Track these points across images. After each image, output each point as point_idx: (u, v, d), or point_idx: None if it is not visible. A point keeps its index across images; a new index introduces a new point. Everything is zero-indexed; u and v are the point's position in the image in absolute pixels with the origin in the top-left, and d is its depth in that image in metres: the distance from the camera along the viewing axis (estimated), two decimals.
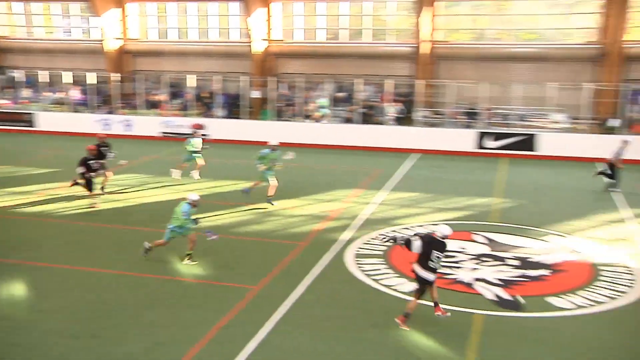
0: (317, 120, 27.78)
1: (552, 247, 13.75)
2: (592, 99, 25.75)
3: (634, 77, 26.92)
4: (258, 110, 29.97)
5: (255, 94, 30.15)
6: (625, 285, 11.52)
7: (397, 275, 11.86)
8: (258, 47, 32.00)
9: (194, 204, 12.09)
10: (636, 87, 25.57)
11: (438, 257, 9.43)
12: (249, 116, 28.91)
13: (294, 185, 18.87)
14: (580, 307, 10.58)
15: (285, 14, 32.73)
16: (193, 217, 12.12)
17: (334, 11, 32.65)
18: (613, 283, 11.64)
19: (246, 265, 12.23)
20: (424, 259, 9.42)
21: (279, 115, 28.76)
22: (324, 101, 28.33)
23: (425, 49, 29.65)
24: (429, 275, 9.46)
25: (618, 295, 11.09)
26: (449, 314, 9.86)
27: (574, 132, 25.07)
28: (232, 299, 10.62)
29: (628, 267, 12.43)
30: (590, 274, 12.06)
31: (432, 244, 9.43)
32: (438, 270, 9.58)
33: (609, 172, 19.09)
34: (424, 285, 9.57)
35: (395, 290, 11.17)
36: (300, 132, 26.81)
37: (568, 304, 10.68)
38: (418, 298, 9.68)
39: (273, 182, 16.75)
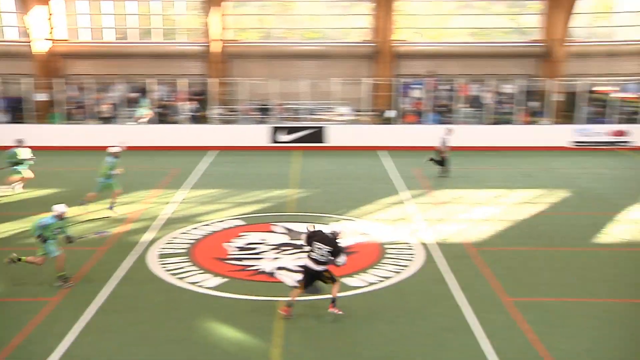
0: (137, 121, 26.59)
1: (344, 231, 14.66)
2: (371, 93, 27.80)
3: (404, 72, 29.58)
4: (45, 114, 27.86)
5: (41, 96, 27.97)
6: (407, 260, 12.71)
7: (202, 271, 11.89)
8: (40, 47, 29.70)
9: (60, 216, 11.07)
10: (406, 81, 28.13)
11: (319, 249, 9.81)
12: (37, 120, 26.79)
13: (89, 190, 17.93)
14: (372, 283, 11.47)
15: (69, 12, 30.74)
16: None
17: (121, 10, 31.38)
18: (397, 259, 12.78)
19: (42, 277, 11.42)
20: (309, 251, 9.94)
21: (70, 118, 27.05)
22: (145, 102, 27.13)
23: (215, 47, 29.75)
24: (311, 265, 9.84)
25: (402, 269, 12.21)
26: (341, 312, 9.95)
27: (357, 123, 26.87)
28: (28, 313, 9.88)
29: (409, 244, 13.72)
30: (378, 253, 13.11)
31: (316, 236, 9.95)
32: (322, 262, 9.82)
33: (438, 159, 20.33)
34: (308, 275, 9.88)
35: (200, 286, 11.20)
36: (91, 135, 25.49)
37: (361, 282, 11.53)
38: (302, 289, 9.98)
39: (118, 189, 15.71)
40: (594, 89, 27.08)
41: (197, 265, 12.22)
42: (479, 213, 16.12)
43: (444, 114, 26.71)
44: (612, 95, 26.43)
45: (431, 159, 20.64)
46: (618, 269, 12.27)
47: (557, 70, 28.62)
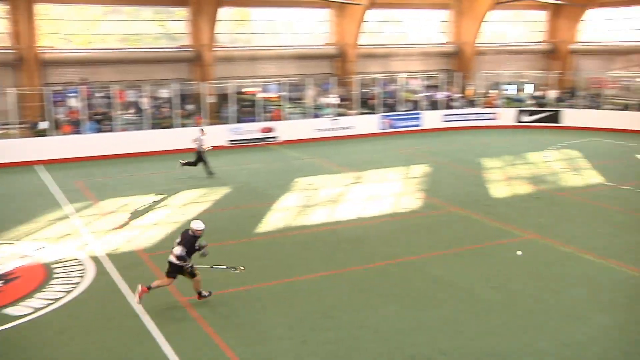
0: None
1: (2, 256, 13.13)
2: (18, 104, 25.26)
3: (54, 80, 27.59)
4: None
5: None
6: (77, 277, 11.95)
7: None
8: None
9: None
10: (57, 90, 26.26)
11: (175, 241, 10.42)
12: None
13: None
14: (39, 309, 10.49)
15: None
16: None
17: None
18: (66, 277, 11.93)
19: None
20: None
21: None
22: None
23: None
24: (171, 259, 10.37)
25: (72, 287, 11.44)
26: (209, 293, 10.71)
27: (7, 137, 24.19)
28: None
29: (78, 259, 12.92)
30: (44, 275, 12.05)
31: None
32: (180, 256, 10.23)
33: (192, 161, 20.48)
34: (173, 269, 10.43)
35: None
36: None
37: (26, 310, 10.46)
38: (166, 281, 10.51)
39: None
40: (242, 90, 29.07)
41: None
42: (147, 219, 16.00)
43: (102, 122, 25.72)
44: (258, 95, 28.69)
45: (185, 163, 20.59)
46: (272, 253, 13.44)
47: (207, 74, 29.89)
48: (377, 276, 12.07)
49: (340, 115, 29.30)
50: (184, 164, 20.78)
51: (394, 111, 30.43)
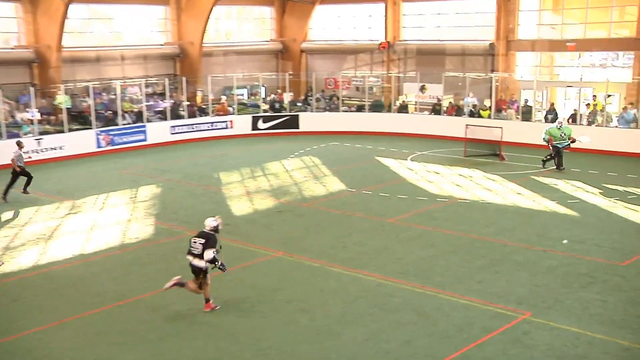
0: None
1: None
2: None
3: None
4: None
5: None
6: None
7: None
8: None
9: None
10: None
11: (194, 242, 11.65)
12: None
13: None
14: None
15: None
16: None
17: None
18: None
19: None
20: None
21: None
22: None
23: None
24: (191, 260, 11.71)
25: None
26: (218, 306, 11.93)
27: None
28: None
29: None
30: None
31: (198, 233, 11.87)
32: (197, 255, 11.58)
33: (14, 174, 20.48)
34: (195, 274, 11.73)
35: None
36: None
37: None
38: (198, 285, 11.81)
39: None
40: None
41: None
42: None
43: None
44: None
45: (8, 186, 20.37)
46: None
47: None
48: (109, 321, 11.71)
49: (45, 133, 27.57)
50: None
51: (114, 125, 29.62)
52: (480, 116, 30.51)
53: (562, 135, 23.60)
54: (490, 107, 30.54)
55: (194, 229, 17.07)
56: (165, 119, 31.31)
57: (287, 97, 34.61)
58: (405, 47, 37.84)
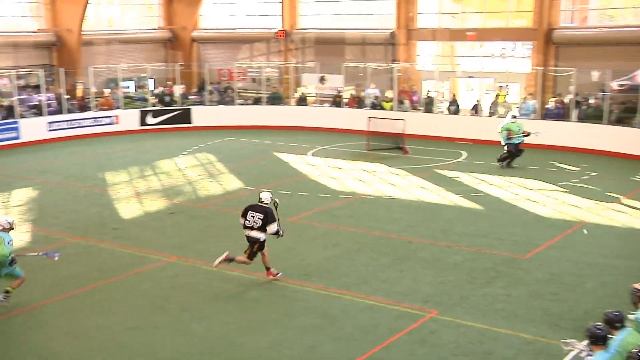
0: None
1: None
2: None
3: None
4: None
5: None
6: None
7: None
8: None
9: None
10: None
11: (252, 217, 13.08)
12: None
13: None
14: None
15: None
16: None
17: None
18: None
19: None
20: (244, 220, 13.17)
21: None
22: None
23: None
24: (248, 232, 13.18)
25: None
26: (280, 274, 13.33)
27: None
28: None
29: None
30: None
31: (251, 207, 13.25)
32: (256, 229, 13.06)
33: None
34: (250, 244, 13.22)
35: None
36: None
37: None
38: (247, 255, 13.33)
39: None
40: None
41: None
42: None
43: None
44: None
45: None
46: None
47: None
48: None
49: None
50: None
51: None
52: (382, 108, 31.13)
53: (518, 128, 23.49)
54: (392, 99, 31.21)
55: (78, 235, 16.70)
56: (42, 114, 30.17)
57: (178, 89, 34.11)
58: (303, 35, 38.05)
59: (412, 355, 10.65)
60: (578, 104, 27.36)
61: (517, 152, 23.77)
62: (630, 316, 8.45)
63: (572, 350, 7.85)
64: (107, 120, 31.82)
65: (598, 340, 7.55)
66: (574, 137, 26.64)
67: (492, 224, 17.54)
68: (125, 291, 13.35)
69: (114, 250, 15.75)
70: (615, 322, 7.96)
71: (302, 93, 34.77)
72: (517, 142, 23.64)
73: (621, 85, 26.61)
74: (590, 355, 7.58)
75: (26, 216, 18.64)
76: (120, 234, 16.88)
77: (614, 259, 14.92)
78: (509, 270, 14.21)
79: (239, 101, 34.15)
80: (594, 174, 22.76)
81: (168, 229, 17.47)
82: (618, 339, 7.76)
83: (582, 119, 27.12)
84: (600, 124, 26.17)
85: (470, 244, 15.85)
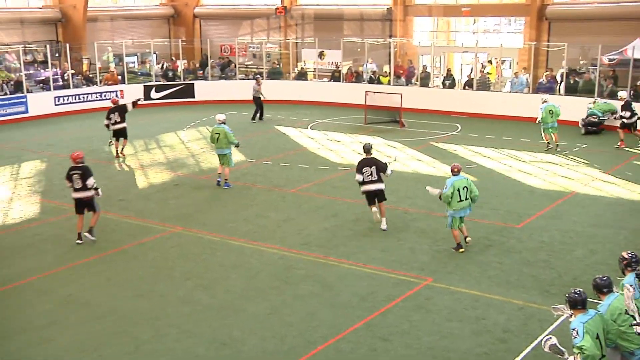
0: None
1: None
2: None
3: None
4: None
5: None
6: None
7: None
8: None
9: None
10: None
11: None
12: None
13: None
14: None
15: None
16: None
17: None
18: None
19: None
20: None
21: None
22: None
23: None
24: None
25: None
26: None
27: None
28: None
29: None
30: None
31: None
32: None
33: None
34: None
35: None
36: None
37: None
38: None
39: None
40: None
41: None
42: None
43: None
44: None
45: None
46: None
47: None
48: None
49: None
50: None
51: None
52: (379, 82, 30.97)
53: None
54: (389, 73, 31.03)
55: None
56: (49, 89, 30.02)
57: (181, 64, 33.91)
58: (303, 11, 37.77)
59: (408, 320, 10.70)
60: (567, 76, 27.20)
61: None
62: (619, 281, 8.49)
63: (562, 315, 7.87)
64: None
65: (577, 304, 7.62)
66: (562, 109, 26.39)
67: (486, 194, 17.46)
68: (130, 260, 13.39)
69: (119, 220, 15.75)
70: (603, 288, 8.03)
71: (302, 68, 34.57)
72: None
73: (611, 60, 26.38)
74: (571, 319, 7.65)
75: (35, 188, 18.63)
76: (125, 205, 16.87)
77: (603, 228, 14.93)
78: (502, 239, 14.22)
79: (240, 76, 33.93)
80: (584, 146, 22.68)
81: (172, 200, 17.45)
82: (606, 303, 7.87)
83: (574, 92, 26.88)
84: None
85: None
